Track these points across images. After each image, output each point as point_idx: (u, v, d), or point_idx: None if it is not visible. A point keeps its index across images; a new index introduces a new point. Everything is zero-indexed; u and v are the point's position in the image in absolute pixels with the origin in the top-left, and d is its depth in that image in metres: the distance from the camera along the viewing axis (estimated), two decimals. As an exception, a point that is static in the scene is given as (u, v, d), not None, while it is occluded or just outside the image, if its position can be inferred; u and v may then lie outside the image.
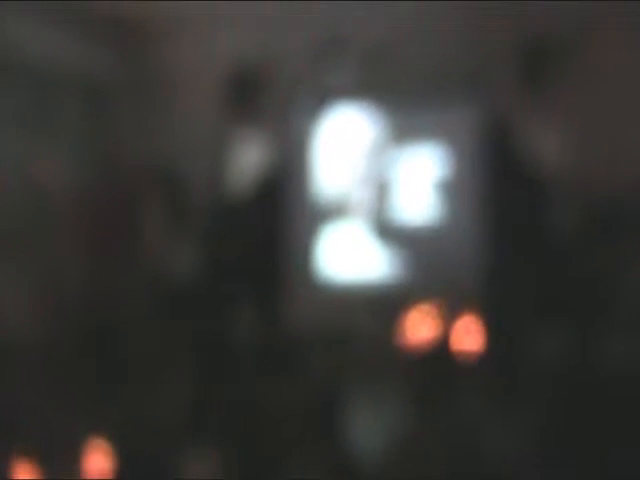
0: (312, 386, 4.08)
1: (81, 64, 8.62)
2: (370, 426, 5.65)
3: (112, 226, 6.66)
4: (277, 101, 8.93)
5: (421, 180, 8.33)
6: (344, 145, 8.76)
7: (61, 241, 6.87)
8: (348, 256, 8.71)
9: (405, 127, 8.41)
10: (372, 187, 8.59)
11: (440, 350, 3.78)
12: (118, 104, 9.34)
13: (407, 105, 8.44)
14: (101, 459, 3.98)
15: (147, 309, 6.94)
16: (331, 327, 7.21)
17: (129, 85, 9.49)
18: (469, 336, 6.68)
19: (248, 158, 10.27)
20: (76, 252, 6.65)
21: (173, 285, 7.53)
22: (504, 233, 7.39)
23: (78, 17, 8.58)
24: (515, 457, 3.03)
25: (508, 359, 5.04)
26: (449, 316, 7.51)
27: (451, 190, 8.21)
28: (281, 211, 8.89)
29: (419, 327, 7.54)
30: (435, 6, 7.77)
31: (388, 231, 8.42)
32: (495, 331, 5.99)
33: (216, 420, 3.09)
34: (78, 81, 8.80)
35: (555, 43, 7.52)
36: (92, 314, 6.19)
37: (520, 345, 5.23)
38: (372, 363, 6.49)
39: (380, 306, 7.41)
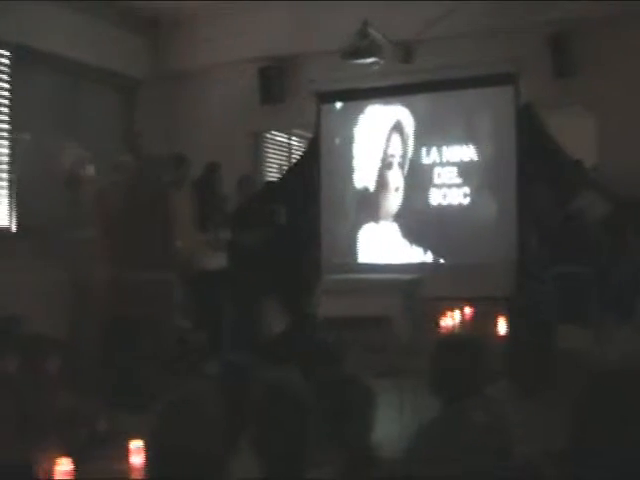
0: (344, 373, 4.06)
1: (114, 55, 8.67)
2: (397, 416, 5.65)
3: (142, 216, 6.67)
4: (309, 96, 8.93)
5: (454, 168, 8.33)
6: (377, 136, 8.73)
7: (91, 231, 6.92)
8: (384, 246, 8.72)
9: (438, 117, 8.36)
10: (406, 176, 8.56)
11: (470, 340, 3.73)
12: (149, 95, 9.38)
13: (439, 96, 8.37)
14: (137, 458, 4.04)
15: (178, 299, 6.95)
16: (365, 315, 7.18)
17: (161, 77, 9.51)
18: (499, 326, 6.64)
19: (280, 151, 10.29)
20: (106, 243, 6.68)
21: (207, 274, 7.52)
22: (535, 219, 7.30)
23: (113, 10, 8.63)
24: (544, 455, 3.00)
25: (538, 351, 4.96)
26: (480, 306, 7.48)
27: (484, 177, 8.16)
28: (315, 202, 8.93)
29: (451, 316, 7.51)
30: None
31: (422, 220, 8.39)
32: (525, 321, 5.93)
33: (247, 410, 3.07)
34: (111, 72, 8.86)
35: (584, 28, 7.40)
36: (122, 306, 6.21)
37: (550, 336, 5.15)
38: (406, 351, 6.46)
39: (414, 295, 7.38)
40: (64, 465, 3.84)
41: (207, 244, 7.64)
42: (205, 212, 7.70)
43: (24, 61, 7.67)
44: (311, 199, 8.83)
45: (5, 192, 7.50)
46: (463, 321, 7.30)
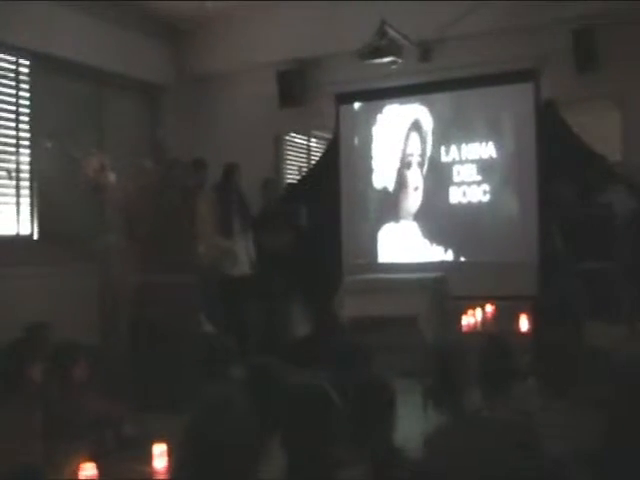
0: (369, 374, 4.04)
1: (136, 62, 8.71)
2: (422, 415, 5.61)
3: (166, 220, 6.70)
4: (328, 97, 8.90)
5: (474, 165, 8.29)
6: (395, 135, 8.67)
7: (116, 237, 6.98)
8: (404, 245, 8.66)
9: (457, 115, 8.30)
10: (425, 175, 8.53)
11: (494, 340, 3.71)
12: (172, 101, 9.41)
13: (458, 94, 8.29)
14: (160, 461, 4.05)
15: (203, 303, 6.95)
16: (389, 315, 7.16)
17: (182, 82, 9.53)
18: (525, 324, 6.59)
19: (299, 153, 10.29)
20: (131, 247, 6.72)
21: (231, 277, 7.52)
22: (560, 215, 7.22)
23: (134, 16, 8.68)
24: (572, 455, 2.98)
25: (565, 349, 4.91)
26: (505, 304, 7.42)
27: (505, 174, 8.09)
28: (335, 203, 8.86)
29: (474, 315, 7.47)
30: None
31: (442, 218, 8.33)
32: (552, 319, 5.86)
33: (274, 413, 3.08)
34: (133, 78, 8.90)
35: (606, 23, 7.31)
36: (147, 310, 6.23)
37: (578, 333, 5.09)
38: (427, 350, 6.42)
39: (439, 293, 7.35)
40: (88, 470, 3.86)
41: (229, 247, 7.61)
42: (226, 214, 7.68)
43: (46, 69, 7.73)
44: (331, 200, 8.82)
45: (27, 200, 7.56)
46: (487, 320, 7.26)
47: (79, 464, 3.86)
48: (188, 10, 8.67)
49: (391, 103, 8.71)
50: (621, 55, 7.31)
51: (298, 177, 9.71)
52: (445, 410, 3.33)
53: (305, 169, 9.90)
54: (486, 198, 8.18)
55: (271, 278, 7.85)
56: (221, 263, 7.50)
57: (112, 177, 7.13)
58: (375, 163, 8.80)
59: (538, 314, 6.27)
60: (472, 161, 8.25)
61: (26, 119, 7.56)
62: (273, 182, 8.71)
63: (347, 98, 8.91)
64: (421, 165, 8.55)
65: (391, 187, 8.71)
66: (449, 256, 8.32)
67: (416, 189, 8.58)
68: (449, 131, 8.38)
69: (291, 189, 9.12)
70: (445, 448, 3.12)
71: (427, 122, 8.49)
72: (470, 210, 8.22)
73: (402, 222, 8.64)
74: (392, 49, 7.53)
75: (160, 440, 4.08)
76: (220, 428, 2.22)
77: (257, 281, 7.74)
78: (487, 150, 8.18)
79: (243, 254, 7.71)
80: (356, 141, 8.90)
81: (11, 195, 7.44)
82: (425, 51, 8.22)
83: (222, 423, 2.24)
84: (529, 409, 3.44)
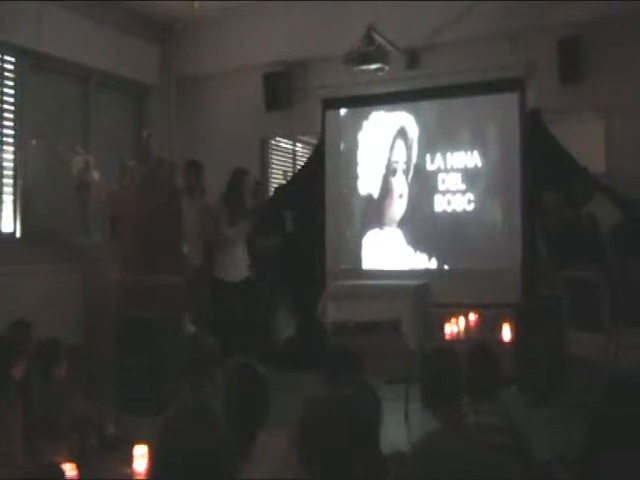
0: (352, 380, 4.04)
1: (124, 62, 8.67)
2: (407, 422, 5.63)
3: (153, 221, 6.68)
4: (315, 102, 8.89)
5: (458, 174, 8.31)
6: (381, 142, 8.68)
7: (100, 236, 6.95)
8: (388, 252, 8.64)
9: (442, 123, 8.30)
10: (410, 183, 8.55)
11: (478, 347, 3.72)
12: (159, 101, 9.39)
13: (443, 102, 8.28)
14: (140, 463, 4.02)
15: (186, 302, 6.93)
16: (371, 320, 7.16)
17: (170, 83, 9.51)
18: (507, 332, 6.61)
19: (285, 157, 10.29)
20: (116, 246, 6.70)
21: (219, 279, 7.49)
22: (544, 224, 7.26)
23: (123, 16, 8.65)
24: (557, 459, 3.00)
25: (548, 357, 4.96)
26: (488, 312, 7.45)
27: (489, 183, 8.09)
28: (320, 208, 8.81)
29: (457, 322, 7.48)
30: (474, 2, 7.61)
31: (427, 226, 8.31)
32: (535, 327, 5.91)
33: (259, 415, 3.08)
34: (119, 76, 8.87)
35: (592, 32, 7.38)
36: (132, 310, 6.20)
37: (561, 342, 5.14)
38: (411, 357, 6.45)
39: (423, 301, 7.36)
40: (68, 470, 3.82)
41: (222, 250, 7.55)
42: (233, 217, 7.57)
43: (32, 66, 7.68)
44: (316, 205, 8.81)
45: (11, 197, 7.50)
46: (470, 327, 7.28)
47: (60, 464, 3.84)
48: (176, 10, 8.66)
49: (378, 110, 8.72)
50: (606, 65, 7.39)
51: (283, 181, 9.71)
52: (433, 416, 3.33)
53: (290, 173, 9.89)
54: (471, 207, 8.19)
55: (257, 281, 7.83)
56: (208, 264, 7.46)
57: (97, 176, 7.10)
58: (360, 169, 8.80)
59: (521, 322, 6.30)
60: (457, 170, 8.27)
61: (10, 116, 7.50)
62: (262, 186, 8.69)
63: (333, 103, 8.92)
64: (406, 172, 8.57)
65: (376, 194, 8.71)
66: (433, 264, 8.34)
67: (401, 196, 8.58)
68: (435, 139, 8.40)
69: (279, 193, 9.10)
70: (431, 453, 3.13)
71: (413, 130, 8.51)
72: (454, 218, 8.24)
73: (386, 229, 8.64)
74: (379, 55, 7.53)
75: (141, 441, 4.05)
76: (194, 430, 2.21)
77: (243, 284, 7.71)
78: (472, 159, 8.21)
79: (240, 258, 7.61)
80: (342, 147, 8.90)
81: (-6, 192, 7.40)
82: (412, 58, 8.25)
83: (196, 425, 2.23)
84: (513, 414, 3.46)
